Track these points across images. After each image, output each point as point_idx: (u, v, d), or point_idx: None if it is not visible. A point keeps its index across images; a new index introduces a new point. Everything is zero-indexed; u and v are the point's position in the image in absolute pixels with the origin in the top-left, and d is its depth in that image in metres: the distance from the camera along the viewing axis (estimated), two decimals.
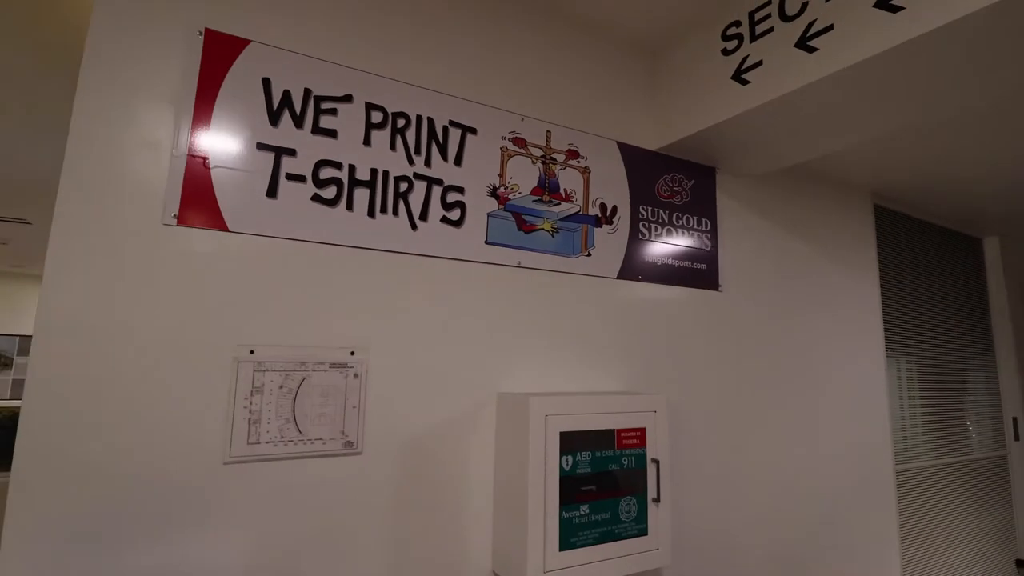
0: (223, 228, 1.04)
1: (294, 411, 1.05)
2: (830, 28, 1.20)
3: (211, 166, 1.04)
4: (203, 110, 1.04)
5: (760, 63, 1.36)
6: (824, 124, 1.48)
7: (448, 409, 1.22)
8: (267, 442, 1.02)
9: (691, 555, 1.54)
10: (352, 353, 1.13)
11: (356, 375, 1.12)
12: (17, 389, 7.19)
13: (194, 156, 1.02)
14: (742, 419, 1.72)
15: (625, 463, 1.26)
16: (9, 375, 7.18)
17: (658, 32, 1.61)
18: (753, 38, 1.38)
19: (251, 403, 1.02)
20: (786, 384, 1.85)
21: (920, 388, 2.40)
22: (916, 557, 2.16)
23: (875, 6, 1.11)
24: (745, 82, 1.40)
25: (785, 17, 1.30)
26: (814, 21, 1.23)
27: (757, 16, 1.37)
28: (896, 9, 1.08)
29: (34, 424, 0.86)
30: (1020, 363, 2.88)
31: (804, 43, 1.25)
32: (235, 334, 1.02)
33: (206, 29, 1.07)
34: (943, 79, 1.23)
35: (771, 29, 1.33)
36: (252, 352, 1.03)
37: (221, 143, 1.05)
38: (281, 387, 1.05)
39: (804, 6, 1.26)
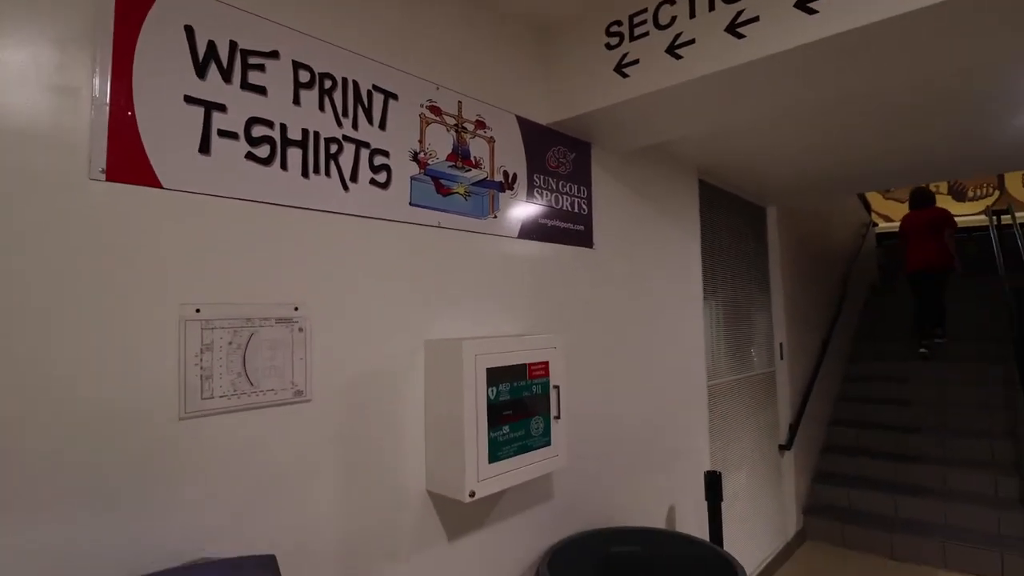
0: (156, 185, 1.00)
1: (245, 365, 1.09)
2: (692, 41, 1.51)
3: (138, 117, 0.99)
4: (123, 55, 0.98)
5: (637, 61, 1.64)
6: (680, 116, 1.83)
7: (382, 356, 1.34)
8: (220, 396, 1.06)
9: (580, 451, 1.89)
10: (296, 309, 1.18)
11: (301, 329, 1.19)
12: None
13: (117, 106, 0.96)
14: (611, 348, 2.10)
15: (535, 390, 1.52)
16: None
17: (553, 18, 1.81)
18: (632, 38, 1.65)
19: (201, 360, 1.03)
20: (640, 320, 2.29)
21: (724, 322, 3.09)
22: (718, 446, 2.86)
23: (725, 30, 1.44)
24: (625, 75, 1.68)
25: (658, 25, 1.59)
26: (680, 33, 1.54)
27: (636, 20, 1.64)
28: (740, 36, 1.42)
29: None
30: (786, 302, 3.84)
31: (672, 50, 1.55)
32: (180, 293, 1.02)
33: None
34: (768, 93, 1.63)
35: (647, 33, 1.61)
36: (198, 311, 1.04)
37: (146, 93, 1.00)
38: (230, 343, 1.08)
39: (673, 19, 1.56)
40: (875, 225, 7.77)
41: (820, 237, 4.91)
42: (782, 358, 3.76)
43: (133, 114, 0.98)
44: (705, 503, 2.53)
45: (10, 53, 0.86)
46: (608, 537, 1.86)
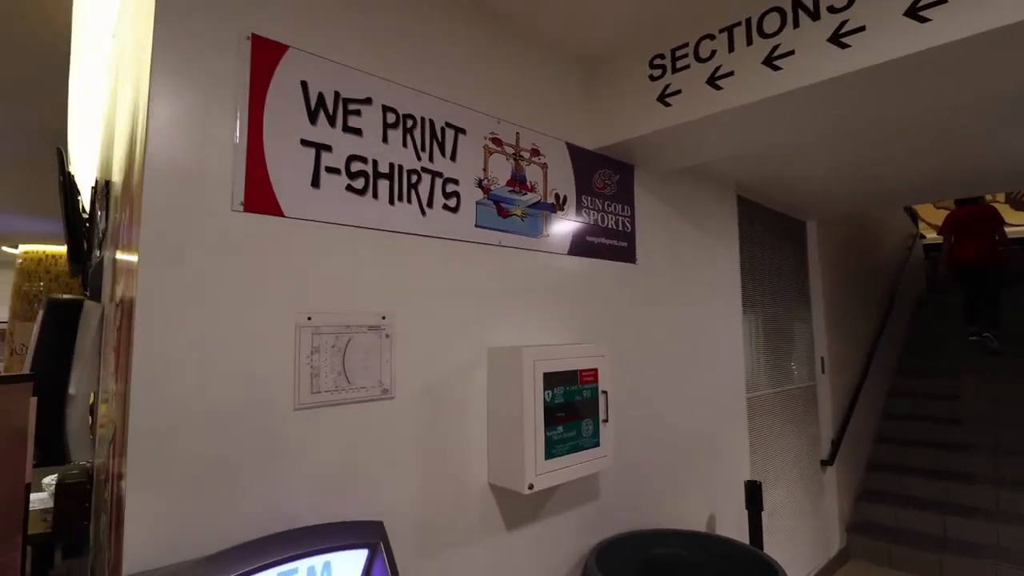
0: (280, 214, 1.21)
1: (344, 366, 1.28)
2: (731, 73, 1.65)
3: (267, 159, 1.20)
4: (256, 109, 1.19)
5: (679, 91, 1.79)
6: (719, 141, 1.97)
7: (453, 361, 1.52)
8: (326, 391, 1.25)
9: (624, 454, 2.02)
10: (383, 318, 1.37)
11: (387, 335, 1.37)
12: None
13: (252, 150, 1.18)
14: (653, 359, 2.23)
15: (585, 395, 1.67)
16: None
17: (600, 52, 1.98)
18: (675, 70, 1.80)
19: (312, 360, 1.23)
20: (680, 333, 2.40)
21: (763, 335, 3.16)
22: (758, 459, 2.92)
23: (762, 63, 1.58)
24: (668, 104, 1.83)
25: (699, 58, 1.74)
26: (720, 66, 1.68)
27: (678, 53, 1.79)
28: (776, 68, 1.55)
29: (147, 386, 1.01)
30: (827, 316, 3.85)
31: (713, 81, 1.70)
32: (296, 304, 1.22)
33: (252, 34, 1.20)
34: (803, 119, 1.76)
35: (688, 66, 1.76)
36: (310, 319, 1.24)
37: (272, 139, 1.21)
38: (333, 346, 1.27)
39: (713, 53, 1.70)
40: (923, 236, 7.57)
41: (863, 250, 4.88)
42: (823, 372, 3.77)
43: (263, 156, 1.19)
44: (745, 512, 2.60)
45: (174, 110, 1.09)
46: (652, 538, 1.97)
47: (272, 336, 1.18)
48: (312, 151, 1.27)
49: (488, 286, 1.63)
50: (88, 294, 2.37)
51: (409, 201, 1.45)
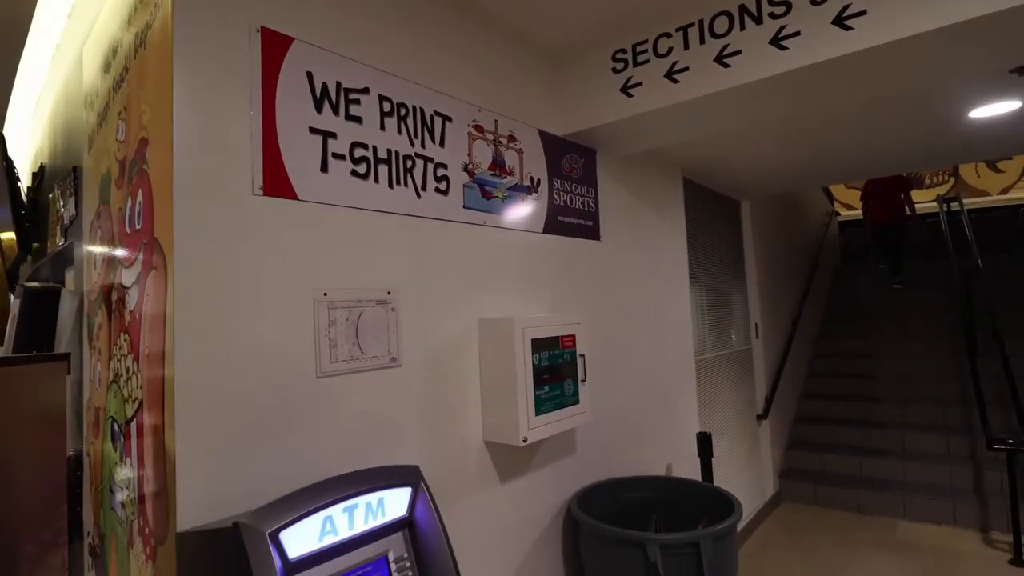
0: (295, 197, 1.30)
1: (357, 337, 1.40)
2: (687, 69, 1.86)
3: (280, 147, 1.28)
4: (268, 99, 1.27)
5: (641, 83, 1.98)
6: (675, 128, 2.19)
7: (448, 331, 1.66)
8: (343, 361, 1.36)
9: (594, 412, 2.23)
10: (388, 293, 1.49)
11: (393, 309, 1.49)
12: None
13: (268, 139, 1.26)
14: (616, 326, 2.45)
15: (566, 358, 1.85)
16: None
17: (568, 46, 2.14)
18: (636, 64, 1.99)
19: (329, 333, 1.34)
20: (638, 302, 2.64)
21: (707, 304, 3.48)
22: (705, 415, 3.25)
23: (714, 60, 1.79)
24: (630, 95, 2.02)
25: (657, 54, 1.93)
26: (676, 61, 1.88)
27: (638, 48, 1.98)
28: (726, 65, 1.77)
29: (189, 358, 1.09)
30: (759, 287, 4.26)
31: (670, 75, 1.90)
32: (312, 281, 1.32)
33: (262, 27, 1.27)
34: (750, 109, 2.00)
35: (648, 60, 1.95)
36: (326, 294, 1.34)
37: (284, 127, 1.29)
38: (347, 320, 1.38)
39: (670, 49, 1.90)
40: (837, 214, 8.34)
41: (788, 227, 5.37)
42: (757, 336, 4.18)
43: (277, 143, 1.27)
44: (697, 461, 2.91)
45: (197, 100, 1.15)
46: (623, 485, 2.21)
47: (293, 311, 1.27)
48: (320, 138, 1.36)
49: (475, 262, 1.77)
50: (42, 281, 2.30)
51: (406, 184, 1.56)
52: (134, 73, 1.36)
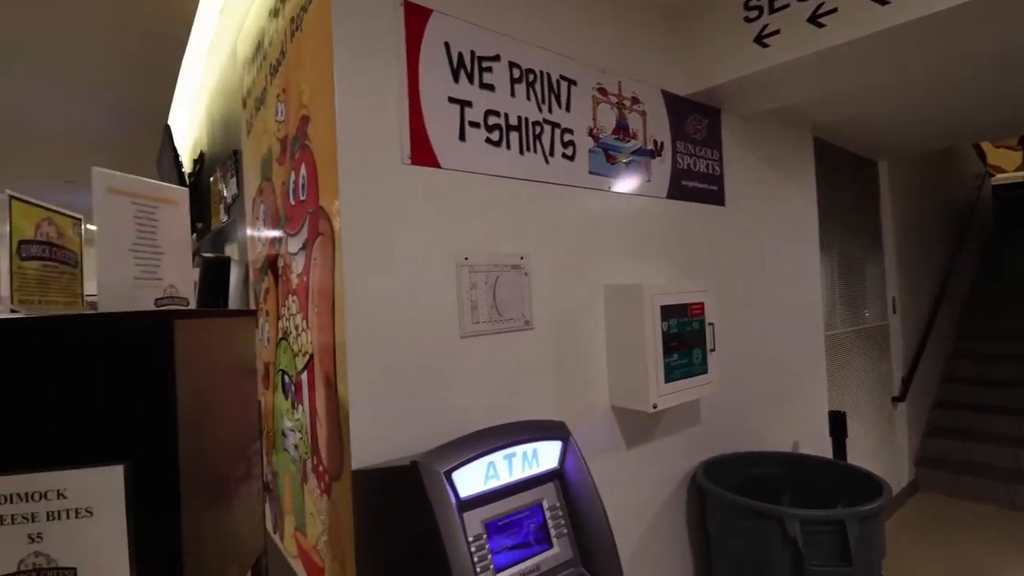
0: (438, 166, 1.36)
1: (495, 300, 1.45)
2: (835, 10, 1.68)
3: (424, 117, 1.34)
4: (412, 70, 1.33)
5: (778, 31, 1.82)
6: (813, 80, 2.00)
7: (575, 296, 1.67)
8: (483, 322, 1.42)
9: (722, 379, 2.16)
10: (521, 258, 1.52)
11: (526, 273, 1.53)
12: None
13: (414, 110, 1.32)
14: (740, 296, 2.33)
15: (694, 326, 1.80)
16: None
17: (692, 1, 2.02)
18: (772, 11, 1.83)
19: (471, 295, 1.40)
20: (764, 272, 2.49)
21: (838, 275, 3.20)
22: (835, 394, 3.02)
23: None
24: (765, 45, 1.87)
25: None
26: (822, 3, 1.71)
27: None
28: (884, 3, 1.58)
29: (353, 317, 1.20)
30: (898, 256, 3.83)
31: (815, 19, 1.73)
32: (454, 246, 1.38)
33: (404, 1, 1.33)
34: (907, 55, 1.77)
35: (787, 5, 1.79)
36: (467, 259, 1.40)
37: (427, 98, 1.35)
38: (486, 283, 1.43)
39: None
40: (991, 175, 7.24)
41: (933, 191, 4.75)
42: (895, 312, 3.78)
43: (421, 113, 1.33)
44: (826, 442, 2.72)
45: (354, 76, 1.23)
46: (750, 459, 2.13)
47: (439, 274, 1.35)
48: (457, 107, 1.41)
49: (600, 229, 1.76)
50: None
51: (535, 151, 1.57)
52: (291, 56, 1.48)
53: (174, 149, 2.70)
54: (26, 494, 0.81)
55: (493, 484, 1.01)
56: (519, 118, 1.54)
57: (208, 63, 2.62)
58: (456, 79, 1.41)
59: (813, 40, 1.75)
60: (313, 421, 1.38)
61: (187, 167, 3.12)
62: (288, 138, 1.52)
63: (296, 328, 1.49)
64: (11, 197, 0.93)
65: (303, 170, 1.41)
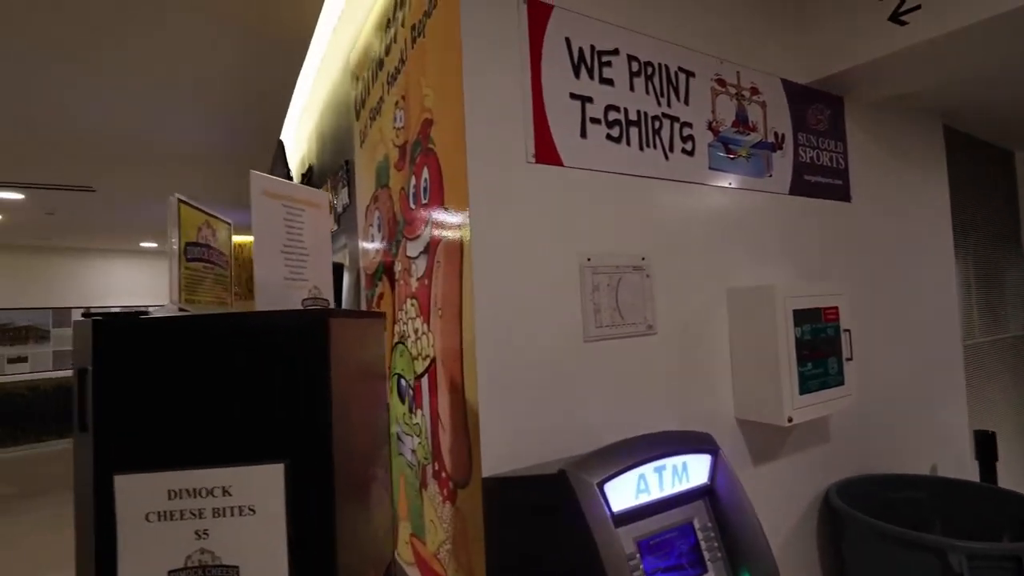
0: (560, 164, 1.32)
1: (617, 303, 1.38)
2: None
3: (547, 114, 1.30)
4: (535, 68, 1.30)
5: (918, 6, 1.64)
6: (953, 61, 1.79)
7: (697, 299, 1.56)
8: (606, 326, 1.35)
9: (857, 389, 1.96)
10: (642, 259, 1.45)
11: (648, 275, 1.45)
12: (59, 361, 7.29)
13: (537, 109, 1.29)
14: (867, 301, 2.11)
15: (828, 332, 1.64)
16: (48, 347, 7.26)
17: None
18: None
19: (594, 298, 1.34)
20: (892, 274, 2.25)
21: (974, 278, 2.85)
22: (978, 409, 2.67)
23: None
24: (902, 23, 1.69)
25: None
26: None
27: None
28: None
29: (483, 320, 1.17)
30: None
31: None
32: (577, 246, 1.33)
33: None
34: None
35: None
36: (589, 260, 1.34)
37: (549, 95, 1.31)
38: (608, 285, 1.37)
39: None
40: None
41: None
42: None
43: (544, 111, 1.30)
44: (969, 465, 2.40)
45: (482, 77, 1.22)
46: (887, 481, 1.91)
47: (564, 276, 1.30)
48: (578, 103, 1.36)
49: (721, 227, 1.65)
50: None
51: (654, 147, 1.50)
52: (412, 63, 1.50)
53: (286, 164, 2.86)
54: (194, 490, 0.83)
55: (644, 499, 0.94)
56: (638, 113, 1.47)
57: (317, 79, 2.76)
58: (577, 75, 1.37)
59: (961, 13, 1.56)
60: (435, 426, 1.37)
61: (295, 180, 3.30)
62: (408, 143, 1.54)
63: (415, 332, 1.49)
64: (179, 201, 0.99)
65: (425, 173, 1.41)
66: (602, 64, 1.42)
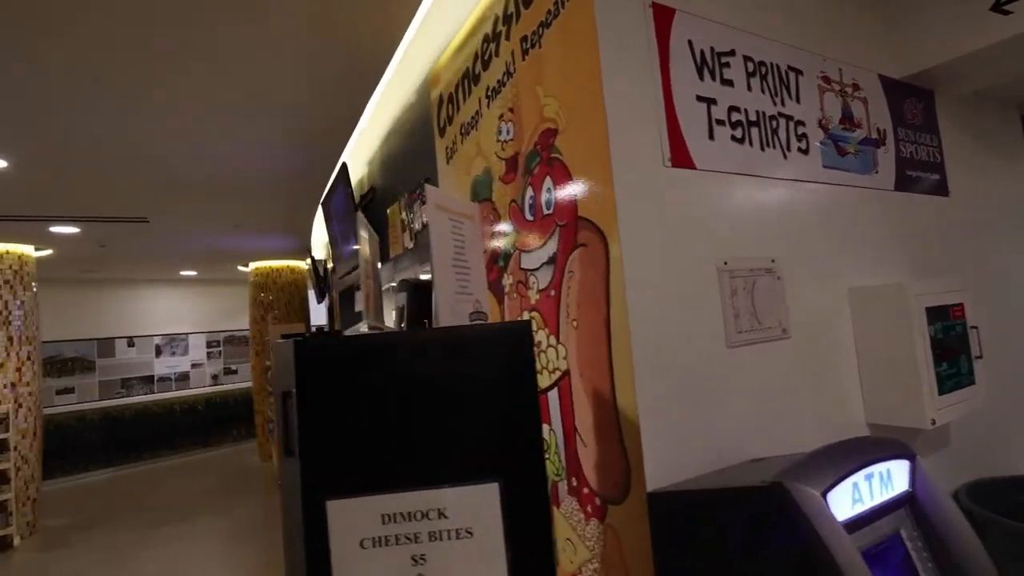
0: (693, 167, 1.29)
1: (753, 307, 1.34)
2: None
3: (678, 118, 1.28)
4: (664, 71, 1.28)
5: None
6: None
7: (820, 300, 1.52)
8: (745, 331, 1.31)
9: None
10: (772, 260, 1.41)
11: (779, 277, 1.41)
12: (104, 391, 7.40)
13: (669, 112, 1.27)
14: (984, 293, 2.04)
15: (957, 330, 1.58)
16: (94, 378, 7.38)
17: None
18: None
19: (733, 302, 1.30)
20: (995, 266, 2.17)
21: None
22: None
23: None
24: (1006, 12, 1.65)
25: None
26: None
27: None
28: None
29: (637, 327, 1.14)
30: None
31: None
32: (712, 249, 1.30)
33: (652, 2, 1.29)
34: None
35: None
36: (726, 263, 1.31)
37: (678, 98, 1.29)
38: (744, 289, 1.33)
39: None
40: None
41: None
42: None
43: (675, 114, 1.28)
44: None
45: (619, 81, 1.20)
46: (1017, 484, 1.81)
47: (704, 280, 1.27)
48: (704, 105, 1.34)
49: (836, 226, 1.60)
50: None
51: (773, 146, 1.47)
52: (523, 74, 1.49)
53: (349, 185, 2.88)
54: (408, 513, 0.79)
55: (859, 509, 0.89)
56: (757, 113, 1.45)
57: (380, 102, 2.78)
58: (701, 76, 1.35)
59: None
60: (570, 441, 1.33)
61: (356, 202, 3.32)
62: (520, 155, 1.52)
63: (538, 345, 1.46)
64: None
65: (548, 183, 1.40)
66: (721, 65, 1.40)
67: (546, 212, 1.41)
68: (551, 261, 1.39)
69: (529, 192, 1.48)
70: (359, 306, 3.92)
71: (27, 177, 3.33)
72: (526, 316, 1.52)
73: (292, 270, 6.91)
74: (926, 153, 1.96)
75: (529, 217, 1.49)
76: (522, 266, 1.53)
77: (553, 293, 1.39)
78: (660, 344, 1.17)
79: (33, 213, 4.06)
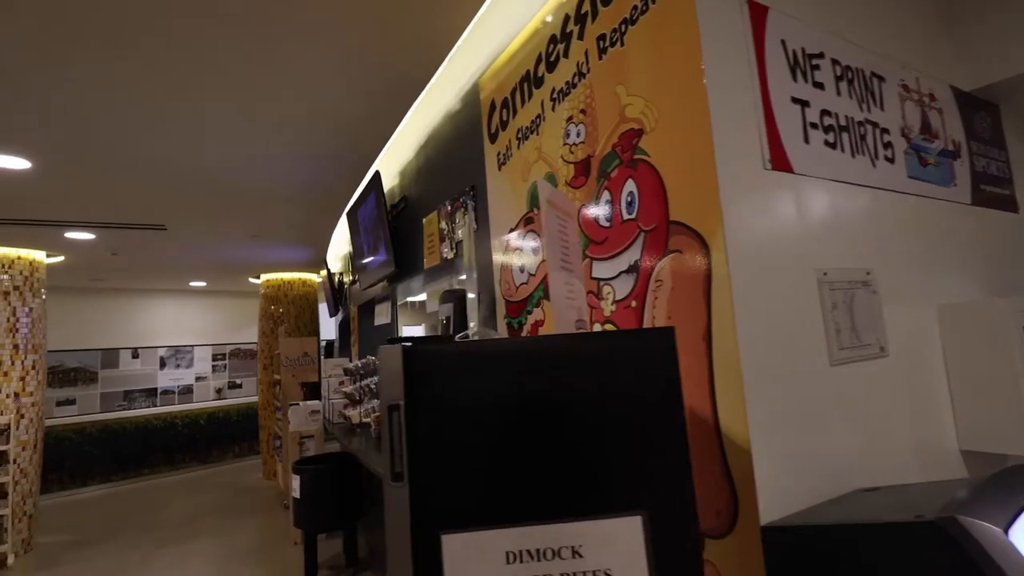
0: (790, 171, 1.21)
1: (852, 322, 1.25)
2: None
3: (776, 119, 1.21)
4: (761, 70, 1.21)
5: None
6: None
7: (910, 317, 1.42)
8: (847, 348, 1.22)
9: None
10: (868, 273, 1.32)
11: (874, 291, 1.32)
12: (106, 402, 7.23)
13: (767, 114, 1.19)
14: None
15: None
16: (96, 389, 7.21)
17: None
18: None
19: (833, 316, 1.21)
20: None
21: None
22: None
23: None
24: None
25: None
26: None
27: None
28: None
29: (747, 340, 1.04)
30: None
31: None
32: (812, 259, 1.21)
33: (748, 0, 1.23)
34: None
35: None
36: (825, 274, 1.22)
37: (774, 99, 1.22)
38: (843, 302, 1.24)
39: None
40: None
41: None
42: None
43: (773, 115, 1.20)
44: None
45: (721, 81, 1.13)
46: None
47: (804, 291, 1.18)
48: (798, 108, 1.27)
49: (922, 239, 1.52)
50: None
51: (863, 153, 1.39)
52: (599, 73, 1.42)
53: (383, 194, 2.81)
54: (538, 551, 0.68)
55: None
56: (846, 118, 1.38)
57: (419, 112, 2.72)
58: (794, 78, 1.28)
59: None
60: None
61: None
62: (594, 157, 1.44)
63: None
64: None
65: (630, 187, 1.31)
66: (812, 67, 1.33)
67: (626, 217, 1.32)
68: (631, 269, 1.30)
69: (605, 196, 1.40)
70: (379, 319, 3.81)
71: (49, 179, 3.25)
72: (596, 328, 1.43)
73: (304, 283, 6.80)
74: (996, 168, 1.89)
75: (605, 223, 1.40)
76: (593, 275, 1.44)
77: (634, 304, 1.30)
78: (771, 360, 1.07)
79: (51, 217, 3.97)
